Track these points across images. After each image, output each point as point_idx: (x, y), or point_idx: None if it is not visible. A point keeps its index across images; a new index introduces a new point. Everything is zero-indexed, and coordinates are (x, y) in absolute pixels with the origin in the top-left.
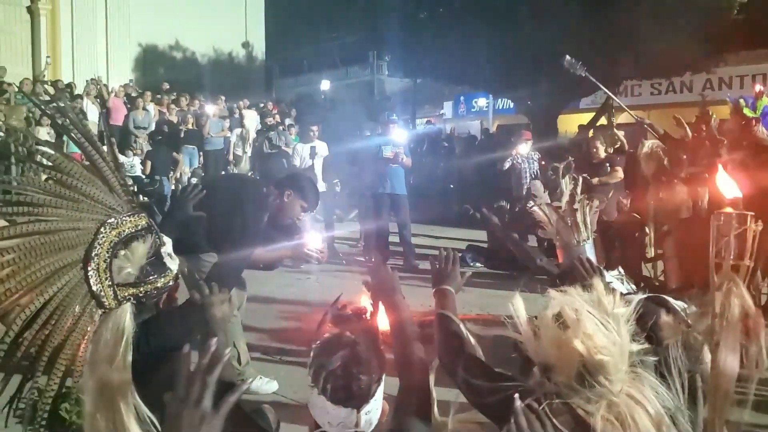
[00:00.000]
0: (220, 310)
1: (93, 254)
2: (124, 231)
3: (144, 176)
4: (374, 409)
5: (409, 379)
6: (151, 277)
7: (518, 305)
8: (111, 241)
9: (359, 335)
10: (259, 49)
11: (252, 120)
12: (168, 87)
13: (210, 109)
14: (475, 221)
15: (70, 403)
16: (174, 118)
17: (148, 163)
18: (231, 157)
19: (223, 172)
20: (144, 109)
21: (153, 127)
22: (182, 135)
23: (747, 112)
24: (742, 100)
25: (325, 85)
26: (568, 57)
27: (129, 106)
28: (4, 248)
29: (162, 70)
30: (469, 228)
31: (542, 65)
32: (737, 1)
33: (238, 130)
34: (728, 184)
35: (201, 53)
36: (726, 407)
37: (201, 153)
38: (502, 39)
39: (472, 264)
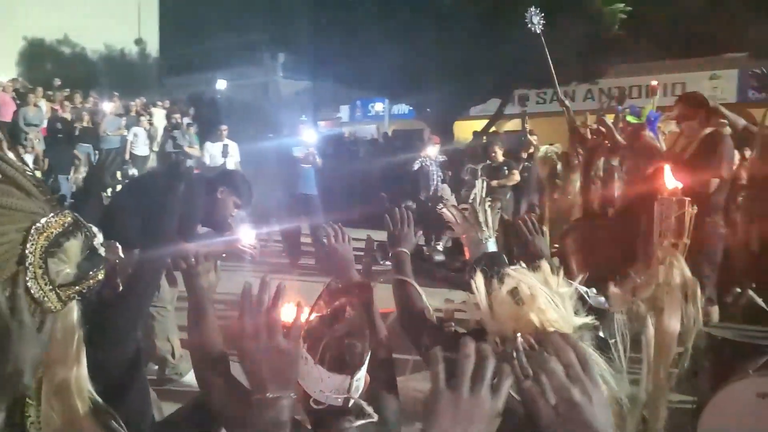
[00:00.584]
0: (206, 279)
1: (27, 264)
2: (52, 233)
3: (39, 175)
4: (362, 375)
5: (377, 351)
6: (90, 272)
7: (479, 282)
8: (42, 246)
9: (355, 306)
10: (153, 47)
11: (161, 118)
12: (60, 83)
13: (107, 106)
14: (380, 221)
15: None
16: (68, 116)
17: (46, 161)
18: (127, 156)
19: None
20: (35, 105)
21: (45, 123)
22: (77, 133)
23: (630, 119)
24: (627, 110)
25: (221, 84)
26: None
27: (18, 102)
28: None
29: (50, 66)
30: (377, 229)
31: (441, 73)
32: (619, 18)
33: (137, 129)
34: (669, 177)
35: (92, 49)
36: (668, 362)
37: (96, 151)
38: (404, 47)
39: (381, 262)
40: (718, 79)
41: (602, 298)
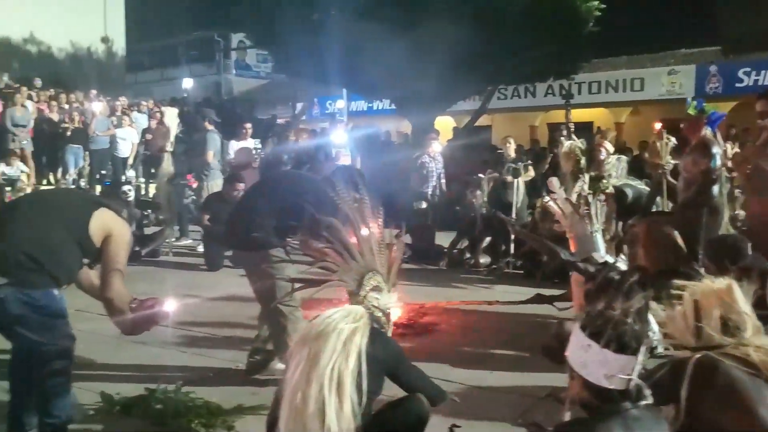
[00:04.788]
0: None
1: None
2: None
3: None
4: (643, 356)
5: None
6: None
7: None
8: None
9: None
10: (119, 45)
11: (173, 118)
12: (41, 83)
13: (96, 107)
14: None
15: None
16: (55, 116)
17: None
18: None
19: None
20: (22, 105)
21: (32, 124)
22: (69, 134)
23: (691, 111)
24: (694, 102)
25: (188, 83)
26: None
27: (2, 102)
28: None
29: (16, 64)
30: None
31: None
32: (593, 15)
33: (126, 130)
34: None
35: (58, 47)
36: None
37: (87, 152)
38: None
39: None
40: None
41: None
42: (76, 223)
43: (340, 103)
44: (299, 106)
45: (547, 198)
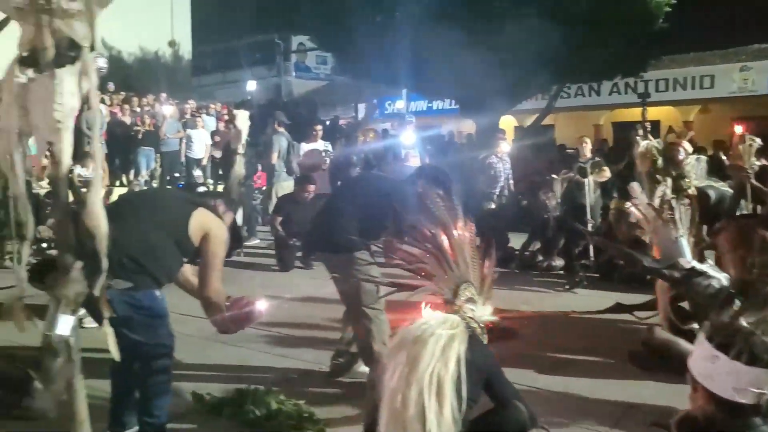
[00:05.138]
0: None
1: None
2: None
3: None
4: None
5: None
6: None
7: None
8: None
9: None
10: (186, 48)
11: (244, 121)
12: (113, 87)
13: (166, 110)
14: None
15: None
16: (127, 119)
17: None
18: (182, 159)
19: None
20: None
21: (105, 127)
22: (140, 137)
23: None
24: None
25: (252, 85)
26: None
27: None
28: None
29: None
30: None
31: (490, 69)
32: (663, 11)
33: (199, 132)
34: None
35: (128, 51)
36: None
37: (158, 155)
38: (457, 43)
39: None
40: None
41: None
42: (176, 224)
43: (400, 104)
44: (361, 107)
45: (628, 204)
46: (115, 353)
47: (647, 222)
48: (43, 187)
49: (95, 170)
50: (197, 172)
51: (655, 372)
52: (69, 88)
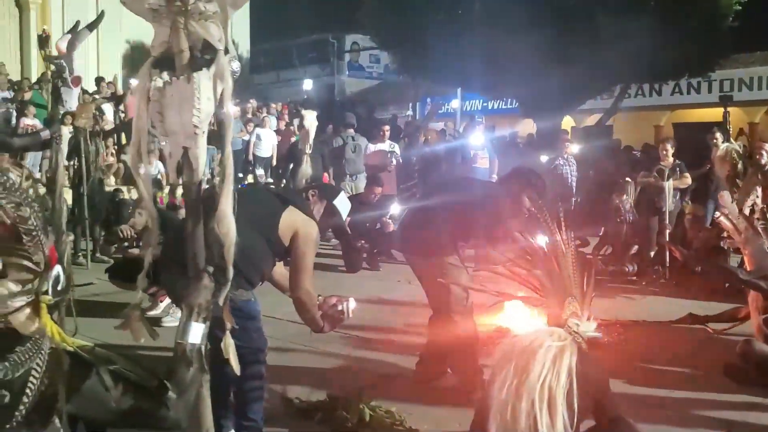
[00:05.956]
0: None
1: None
2: None
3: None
4: None
5: None
6: None
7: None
8: None
9: None
10: (244, 47)
11: (312, 121)
12: None
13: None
14: None
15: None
16: None
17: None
18: (250, 157)
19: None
20: None
21: None
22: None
23: None
24: None
25: (308, 84)
26: None
27: None
28: None
29: None
30: None
31: (556, 68)
32: (733, 9)
33: (266, 131)
34: None
35: None
36: None
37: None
38: (520, 43)
39: None
40: None
41: None
42: (266, 224)
43: (455, 103)
44: (418, 106)
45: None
46: (235, 366)
47: (737, 232)
48: (109, 185)
49: (225, 176)
50: (259, 171)
51: (753, 386)
52: (206, 92)
